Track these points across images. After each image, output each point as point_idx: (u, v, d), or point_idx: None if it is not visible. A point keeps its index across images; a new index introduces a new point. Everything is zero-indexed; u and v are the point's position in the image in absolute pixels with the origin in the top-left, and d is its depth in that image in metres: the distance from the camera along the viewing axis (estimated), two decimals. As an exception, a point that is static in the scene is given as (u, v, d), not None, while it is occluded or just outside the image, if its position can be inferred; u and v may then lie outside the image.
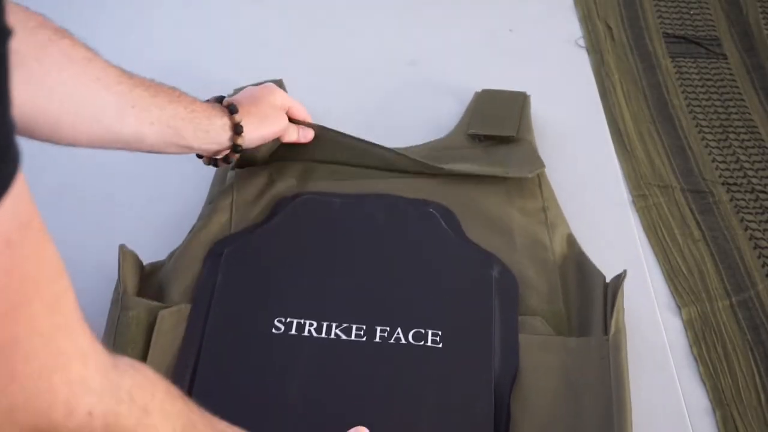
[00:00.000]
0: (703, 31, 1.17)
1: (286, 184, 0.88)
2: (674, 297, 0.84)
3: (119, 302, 0.76)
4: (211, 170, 0.92)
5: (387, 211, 0.85)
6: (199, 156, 0.83)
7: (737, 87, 1.08)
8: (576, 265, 0.82)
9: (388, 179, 0.89)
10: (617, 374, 0.72)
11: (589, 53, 1.12)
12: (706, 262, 0.87)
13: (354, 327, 0.76)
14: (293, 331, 0.75)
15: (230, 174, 0.91)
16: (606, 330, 0.75)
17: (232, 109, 0.79)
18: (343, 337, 0.75)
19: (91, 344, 0.41)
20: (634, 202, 0.93)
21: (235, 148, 0.80)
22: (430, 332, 0.75)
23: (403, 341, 0.75)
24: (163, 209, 0.91)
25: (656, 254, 0.88)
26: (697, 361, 0.79)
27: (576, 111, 1.03)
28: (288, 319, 0.76)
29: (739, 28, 1.17)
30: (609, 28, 1.16)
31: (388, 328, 0.76)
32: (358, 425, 0.67)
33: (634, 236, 0.89)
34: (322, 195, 0.87)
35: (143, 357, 0.72)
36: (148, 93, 0.72)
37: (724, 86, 1.08)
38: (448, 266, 0.81)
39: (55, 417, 0.39)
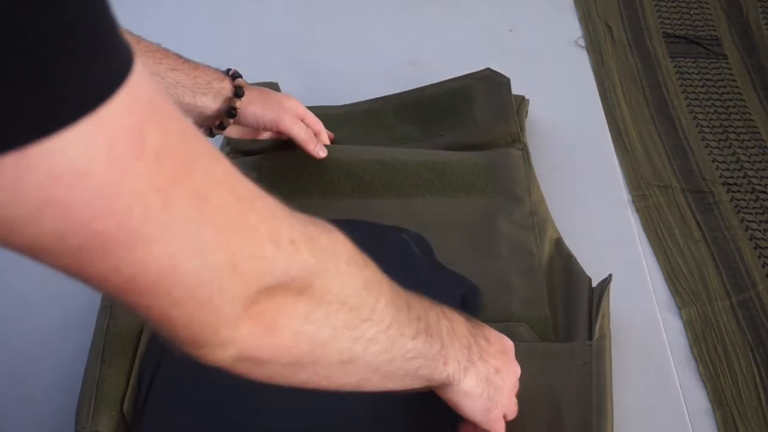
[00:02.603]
0: (703, 31, 1.17)
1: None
2: (674, 297, 0.84)
3: (108, 310, 0.74)
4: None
5: (360, 239, 0.83)
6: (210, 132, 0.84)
7: (737, 87, 1.08)
8: (563, 269, 0.82)
9: (382, 198, 0.89)
10: (599, 380, 0.71)
11: (589, 53, 1.12)
12: (706, 263, 0.87)
13: None
14: None
15: None
16: (590, 335, 0.74)
17: (235, 76, 0.82)
18: None
19: (256, 186, 0.41)
20: (634, 202, 0.93)
21: (230, 111, 0.81)
22: None
23: None
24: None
25: (656, 254, 0.88)
26: (697, 362, 0.78)
27: (576, 111, 1.03)
28: None
29: (739, 28, 1.17)
30: (609, 28, 1.16)
31: None
32: None
33: (634, 236, 0.89)
34: None
35: (132, 367, 0.71)
36: (152, 60, 0.73)
37: (725, 86, 1.08)
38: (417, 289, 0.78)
39: (269, 253, 0.41)
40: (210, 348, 0.41)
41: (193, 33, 1.14)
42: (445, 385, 0.58)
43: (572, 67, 1.10)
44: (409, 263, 0.83)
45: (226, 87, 0.81)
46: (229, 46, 1.12)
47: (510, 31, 1.14)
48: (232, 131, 0.86)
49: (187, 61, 0.79)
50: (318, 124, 0.90)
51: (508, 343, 0.65)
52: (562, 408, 0.70)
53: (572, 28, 1.16)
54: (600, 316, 0.75)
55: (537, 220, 0.86)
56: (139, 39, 0.72)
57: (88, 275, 0.36)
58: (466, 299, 0.79)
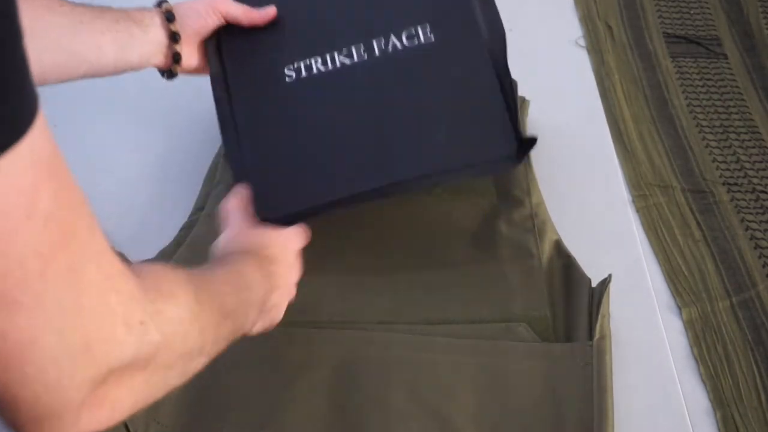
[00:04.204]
0: (704, 31, 1.17)
1: None
2: (674, 297, 0.84)
3: None
4: (206, 169, 0.92)
5: None
6: (161, 73, 0.83)
7: (737, 87, 1.08)
8: (563, 270, 0.82)
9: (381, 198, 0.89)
10: (600, 381, 0.71)
11: (589, 53, 1.12)
12: (706, 262, 0.87)
13: (353, 48, 0.81)
14: (304, 74, 0.82)
15: (219, 175, 0.91)
16: (591, 336, 0.75)
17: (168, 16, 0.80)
18: (348, 62, 0.81)
19: (120, 262, 0.41)
20: (634, 202, 0.93)
21: (173, 36, 0.80)
22: (419, 28, 0.81)
23: (400, 46, 0.81)
24: (157, 208, 0.91)
25: (656, 254, 0.88)
26: (697, 362, 0.78)
27: (576, 111, 1.03)
28: (295, 64, 0.82)
29: (739, 28, 1.17)
30: (609, 28, 1.16)
31: (383, 38, 0.81)
32: (386, 139, 0.78)
33: (634, 236, 0.89)
34: None
35: None
36: (89, 9, 0.74)
37: (725, 86, 1.08)
38: None
39: (121, 337, 0.40)
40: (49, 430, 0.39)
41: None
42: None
43: (572, 67, 1.10)
44: None
45: (159, 35, 0.79)
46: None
47: (510, 31, 1.13)
48: (191, 63, 0.84)
49: (118, 18, 0.76)
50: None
51: (292, 257, 0.70)
52: (562, 408, 0.70)
53: (572, 28, 1.16)
54: (600, 317, 0.75)
55: (537, 222, 0.86)
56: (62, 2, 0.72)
57: None
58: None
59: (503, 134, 0.77)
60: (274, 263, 0.67)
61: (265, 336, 0.75)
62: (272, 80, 0.83)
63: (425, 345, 0.75)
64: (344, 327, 0.77)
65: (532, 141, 0.77)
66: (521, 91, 0.99)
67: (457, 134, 0.78)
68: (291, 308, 0.79)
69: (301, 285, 0.81)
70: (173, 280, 0.48)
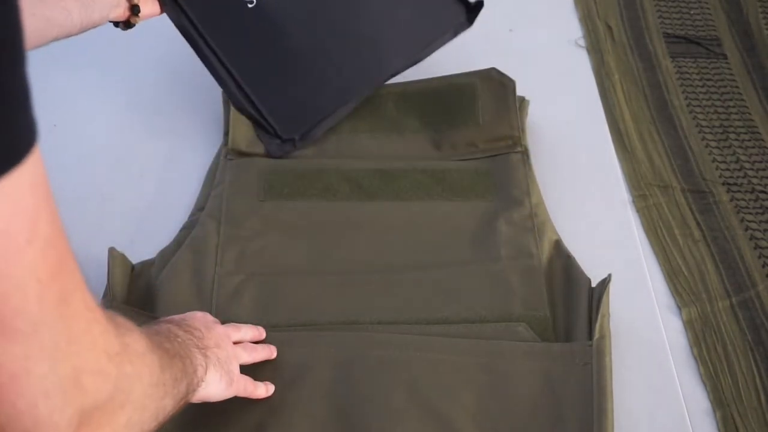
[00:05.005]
0: (704, 31, 1.17)
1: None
2: (674, 297, 0.84)
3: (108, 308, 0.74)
4: (206, 169, 0.92)
5: None
6: (116, 24, 0.85)
7: (737, 87, 1.08)
8: (563, 270, 0.82)
9: (381, 201, 0.89)
10: (600, 380, 0.71)
11: (589, 53, 1.12)
12: (706, 262, 0.87)
13: None
14: None
15: (218, 175, 0.91)
16: (590, 335, 0.75)
17: None
18: None
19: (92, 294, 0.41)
20: (634, 202, 0.93)
21: (134, 8, 0.83)
22: None
23: None
24: (157, 208, 0.91)
25: (656, 254, 0.88)
26: (697, 362, 0.78)
27: (576, 111, 1.03)
28: None
29: (739, 28, 1.17)
30: (609, 28, 1.16)
31: None
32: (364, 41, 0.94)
33: (634, 236, 0.89)
34: None
35: None
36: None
37: (725, 86, 1.08)
38: None
39: (105, 367, 0.40)
40: None
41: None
42: (197, 388, 0.60)
43: (572, 67, 1.10)
44: None
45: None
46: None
47: (510, 31, 1.14)
48: (147, 11, 0.86)
49: None
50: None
51: (201, 317, 0.68)
52: (562, 408, 0.70)
53: (572, 28, 1.16)
54: (600, 316, 0.75)
55: (536, 221, 0.86)
56: None
57: None
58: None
59: (453, 5, 0.98)
60: (193, 327, 0.65)
61: (266, 337, 0.75)
62: (235, 9, 0.90)
63: (425, 345, 0.75)
64: (344, 327, 0.77)
65: (479, 4, 0.98)
66: (521, 91, 0.99)
67: (418, 18, 0.96)
68: (291, 309, 0.79)
69: (301, 285, 0.81)
70: (121, 316, 0.47)
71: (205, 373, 0.61)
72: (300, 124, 0.93)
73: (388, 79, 0.97)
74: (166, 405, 0.50)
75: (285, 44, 0.92)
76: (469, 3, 0.99)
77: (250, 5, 0.90)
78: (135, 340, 0.46)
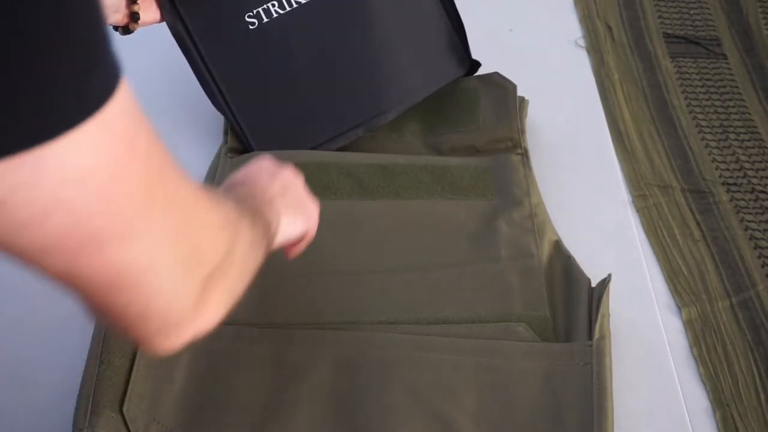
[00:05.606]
0: (703, 31, 1.17)
1: None
2: (674, 297, 0.84)
3: None
4: (206, 168, 0.92)
5: None
6: (115, 28, 0.85)
7: (737, 87, 1.08)
8: (562, 270, 0.82)
9: (381, 199, 0.89)
10: (600, 380, 0.71)
11: (589, 53, 1.12)
12: (706, 263, 0.87)
13: None
14: (265, 20, 0.91)
15: (219, 174, 0.91)
16: (590, 335, 0.75)
17: None
18: (303, 0, 0.91)
19: (195, 182, 0.46)
20: (634, 202, 0.93)
21: (133, 15, 0.84)
22: None
23: None
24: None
25: (656, 254, 0.88)
26: (697, 362, 0.78)
27: (576, 111, 1.03)
28: (255, 11, 0.91)
29: (739, 28, 1.17)
30: (609, 28, 1.16)
31: None
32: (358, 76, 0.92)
33: (634, 236, 0.89)
34: None
35: (132, 368, 0.71)
36: None
37: (724, 86, 1.08)
38: None
39: (219, 239, 0.47)
40: (174, 338, 0.44)
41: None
42: (274, 238, 0.64)
43: (572, 67, 1.10)
44: None
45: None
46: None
47: (510, 31, 1.14)
48: (147, 18, 0.87)
49: None
50: None
51: (257, 163, 0.71)
52: (562, 408, 0.70)
53: (572, 28, 1.16)
54: (600, 317, 0.75)
55: (536, 222, 0.86)
56: None
57: (78, 275, 0.37)
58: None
59: (455, 55, 0.97)
60: (257, 181, 0.69)
61: (266, 336, 0.75)
62: (236, 30, 0.90)
63: (425, 345, 0.75)
64: (344, 327, 0.77)
65: (476, 64, 0.98)
66: (521, 91, 0.99)
67: (417, 61, 0.94)
68: (291, 308, 0.79)
69: (301, 285, 0.81)
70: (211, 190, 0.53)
71: (279, 222, 0.65)
72: (273, 144, 0.92)
73: (382, 123, 0.94)
74: (257, 258, 0.55)
75: (277, 69, 0.92)
76: (472, 59, 0.98)
77: (251, 27, 0.91)
78: (230, 207, 0.51)
